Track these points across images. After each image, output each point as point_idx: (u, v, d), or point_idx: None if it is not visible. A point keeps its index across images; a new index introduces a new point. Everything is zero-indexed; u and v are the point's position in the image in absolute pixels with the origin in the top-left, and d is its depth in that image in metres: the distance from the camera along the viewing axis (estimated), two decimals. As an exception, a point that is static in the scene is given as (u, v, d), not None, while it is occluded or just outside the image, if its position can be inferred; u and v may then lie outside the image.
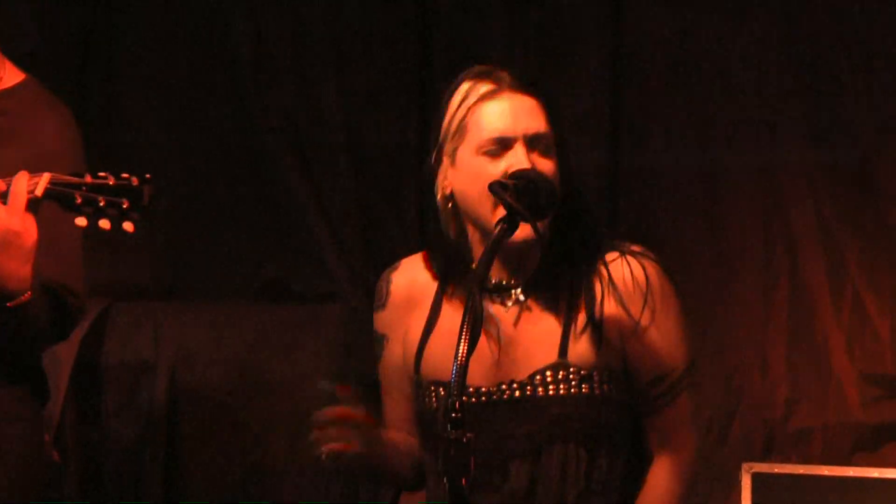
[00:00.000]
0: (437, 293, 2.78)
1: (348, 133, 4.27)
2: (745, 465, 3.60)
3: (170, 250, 4.28)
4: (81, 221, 2.66)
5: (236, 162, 4.30)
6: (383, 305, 2.84)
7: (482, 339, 2.53)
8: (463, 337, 2.27)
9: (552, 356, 2.67)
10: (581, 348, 2.67)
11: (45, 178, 2.67)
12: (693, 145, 4.12)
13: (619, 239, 2.76)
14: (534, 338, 2.69)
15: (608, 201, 4.07)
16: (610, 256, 2.71)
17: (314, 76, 4.28)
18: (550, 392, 2.66)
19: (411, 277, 2.82)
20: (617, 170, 4.11)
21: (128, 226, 2.66)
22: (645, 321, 2.67)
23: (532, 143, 2.65)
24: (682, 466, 2.72)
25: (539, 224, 2.57)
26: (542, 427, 2.66)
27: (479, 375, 2.66)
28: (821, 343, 3.96)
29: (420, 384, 2.75)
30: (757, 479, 3.57)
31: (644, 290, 2.68)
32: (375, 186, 4.28)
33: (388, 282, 2.84)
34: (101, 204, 2.65)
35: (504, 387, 2.69)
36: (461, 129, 2.68)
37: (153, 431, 4.08)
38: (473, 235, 2.70)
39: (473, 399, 2.67)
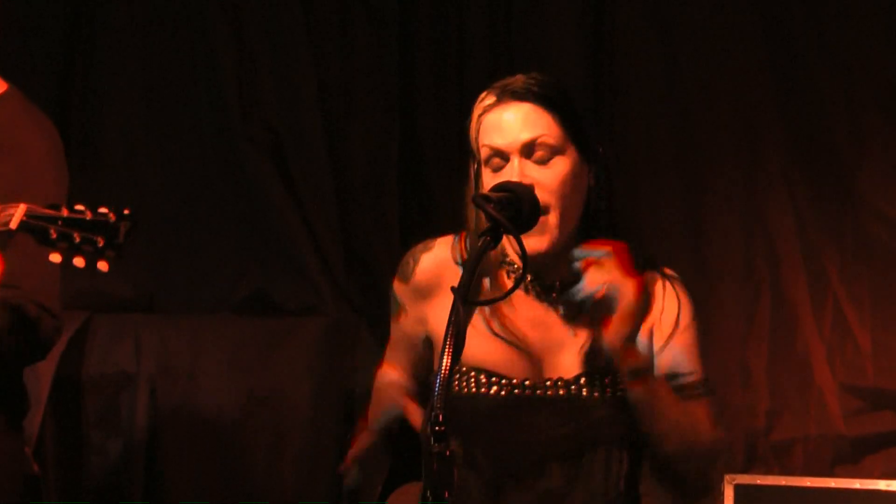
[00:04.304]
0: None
1: (330, 145, 4.27)
2: (727, 477, 3.61)
3: (151, 263, 4.26)
4: (56, 258, 2.57)
5: (217, 174, 4.29)
6: (406, 280, 2.79)
7: (526, 334, 2.61)
8: (446, 350, 2.23)
9: (598, 360, 2.65)
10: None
11: (21, 209, 2.59)
12: (675, 159, 4.12)
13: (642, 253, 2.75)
14: (579, 339, 2.68)
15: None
16: (649, 275, 2.69)
17: (295, 86, 4.27)
18: (595, 395, 2.66)
19: (442, 259, 2.75)
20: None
21: (102, 265, 2.57)
22: (674, 334, 2.69)
23: (528, 150, 2.63)
24: (714, 448, 2.70)
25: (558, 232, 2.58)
26: (585, 428, 2.65)
27: (521, 369, 2.66)
28: (802, 355, 3.97)
29: (459, 369, 2.69)
30: (739, 490, 3.58)
31: (677, 312, 2.69)
32: (357, 198, 4.27)
33: (417, 260, 2.78)
34: (77, 240, 2.56)
35: (549, 383, 2.67)
36: (475, 146, 2.68)
37: (134, 444, 4.06)
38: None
39: (517, 391, 2.66)
